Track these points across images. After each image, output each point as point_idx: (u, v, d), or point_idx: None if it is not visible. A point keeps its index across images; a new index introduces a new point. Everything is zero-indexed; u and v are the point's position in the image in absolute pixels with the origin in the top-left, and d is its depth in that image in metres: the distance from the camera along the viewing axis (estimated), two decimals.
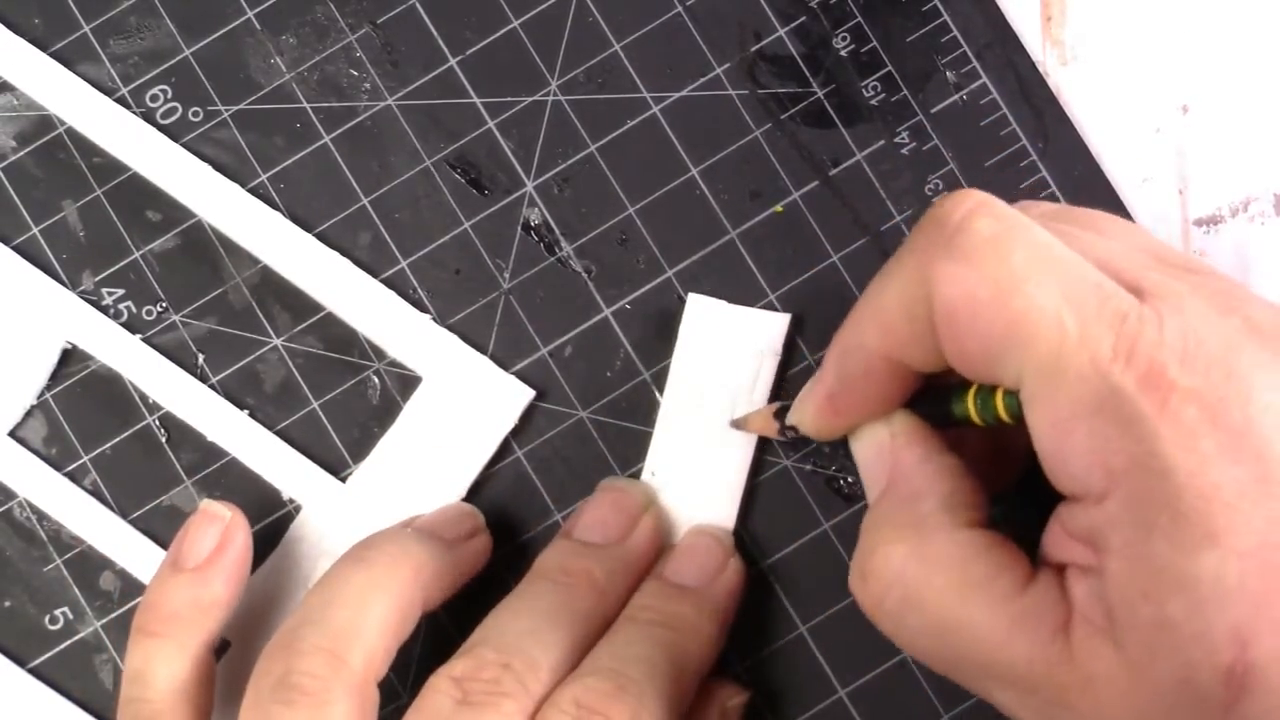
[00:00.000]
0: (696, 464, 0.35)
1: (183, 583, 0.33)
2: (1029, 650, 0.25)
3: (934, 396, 0.29)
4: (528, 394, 0.36)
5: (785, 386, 0.36)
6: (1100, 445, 0.24)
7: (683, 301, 0.36)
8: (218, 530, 0.34)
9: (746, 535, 0.35)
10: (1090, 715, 0.24)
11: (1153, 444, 0.23)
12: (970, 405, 0.28)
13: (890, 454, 0.29)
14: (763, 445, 0.36)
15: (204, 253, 0.37)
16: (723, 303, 0.36)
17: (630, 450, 0.36)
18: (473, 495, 0.36)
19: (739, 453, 0.35)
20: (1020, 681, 0.25)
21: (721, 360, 0.35)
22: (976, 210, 0.26)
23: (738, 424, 0.35)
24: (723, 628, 0.33)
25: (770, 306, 0.36)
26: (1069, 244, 0.26)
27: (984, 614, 0.26)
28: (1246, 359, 0.24)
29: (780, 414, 0.33)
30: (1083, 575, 0.25)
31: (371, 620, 0.30)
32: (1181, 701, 0.23)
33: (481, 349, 0.36)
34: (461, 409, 0.36)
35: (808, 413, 0.31)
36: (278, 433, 0.36)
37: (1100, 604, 0.24)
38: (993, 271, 0.25)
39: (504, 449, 0.36)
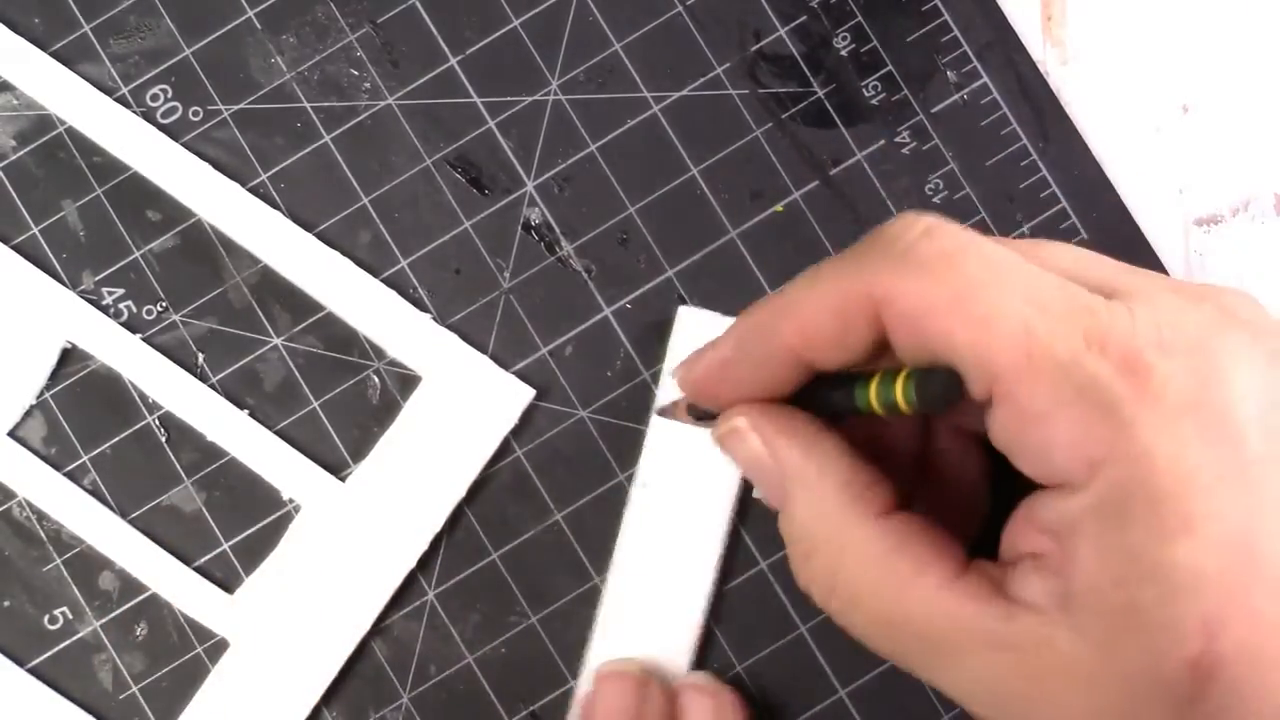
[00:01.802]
0: (688, 475, 0.35)
1: None
2: (974, 639, 0.24)
3: (823, 385, 0.28)
4: (528, 394, 0.36)
5: None
6: (1080, 435, 0.23)
7: (684, 302, 0.36)
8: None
9: (747, 535, 0.35)
10: (1045, 705, 0.24)
11: (1132, 429, 0.23)
12: (872, 395, 0.27)
13: (769, 455, 0.28)
14: None
15: (204, 252, 0.37)
16: (714, 314, 0.36)
17: (630, 450, 0.36)
18: (473, 495, 0.36)
19: (731, 462, 0.35)
20: (970, 672, 0.25)
21: None
22: (930, 231, 0.26)
23: (662, 412, 0.34)
24: None
25: None
26: (1028, 258, 0.25)
27: (922, 608, 0.25)
28: (1223, 342, 0.24)
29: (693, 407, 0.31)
30: (1038, 567, 0.24)
31: None
32: (1145, 691, 0.23)
33: (481, 348, 0.36)
34: (461, 409, 0.36)
35: (696, 370, 0.29)
36: (278, 432, 0.36)
37: (1056, 595, 0.24)
38: (950, 282, 0.25)
39: (504, 449, 0.36)
